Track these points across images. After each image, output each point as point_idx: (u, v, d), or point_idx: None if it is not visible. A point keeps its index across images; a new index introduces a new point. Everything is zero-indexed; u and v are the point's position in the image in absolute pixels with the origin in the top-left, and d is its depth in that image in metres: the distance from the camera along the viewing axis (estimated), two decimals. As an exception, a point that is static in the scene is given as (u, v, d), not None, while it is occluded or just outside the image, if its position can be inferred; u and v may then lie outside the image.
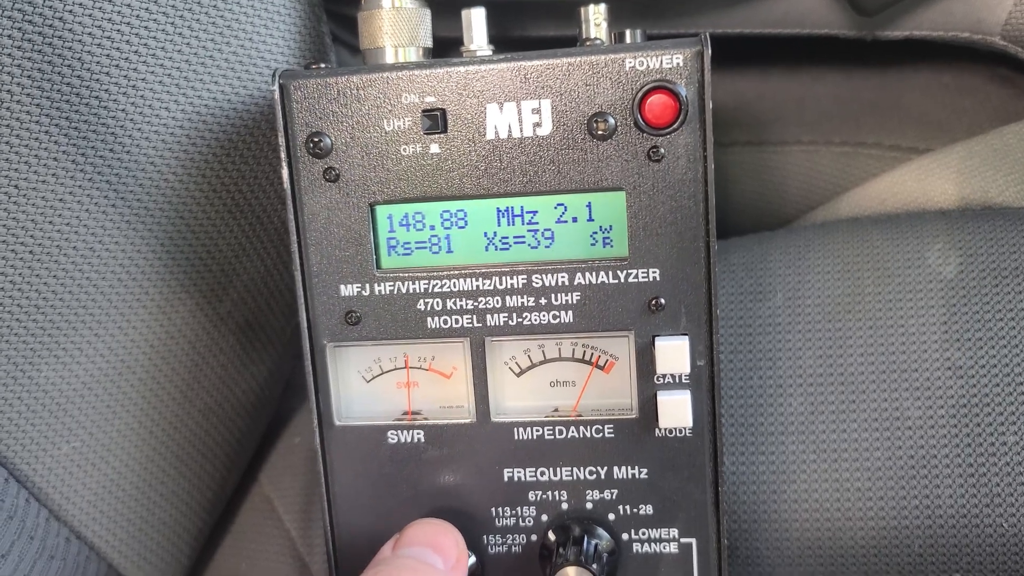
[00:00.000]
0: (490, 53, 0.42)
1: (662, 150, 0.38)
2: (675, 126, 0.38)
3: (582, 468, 0.41)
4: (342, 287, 0.41)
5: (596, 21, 0.43)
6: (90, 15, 0.39)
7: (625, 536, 0.41)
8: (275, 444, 0.63)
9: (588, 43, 0.40)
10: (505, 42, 0.43)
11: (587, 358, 0.41)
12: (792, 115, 0.65)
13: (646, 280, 0.39)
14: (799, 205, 0.64)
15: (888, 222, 0.54)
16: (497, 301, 0.40)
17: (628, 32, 0.41)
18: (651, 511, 0.41)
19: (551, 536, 0.41)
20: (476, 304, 0.41)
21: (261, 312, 0.53)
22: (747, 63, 0.65)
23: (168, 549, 0.53)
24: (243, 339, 0.52)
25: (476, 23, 0.43)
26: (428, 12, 0.44)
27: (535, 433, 0.41)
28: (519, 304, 0.40)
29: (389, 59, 0.43)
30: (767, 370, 0.50)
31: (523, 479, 0.42)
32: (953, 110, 0.61)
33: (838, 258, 0.52)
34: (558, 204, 0.40)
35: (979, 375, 0.48)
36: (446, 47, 0.47)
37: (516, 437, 0.41)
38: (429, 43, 0.44)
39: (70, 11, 0.39)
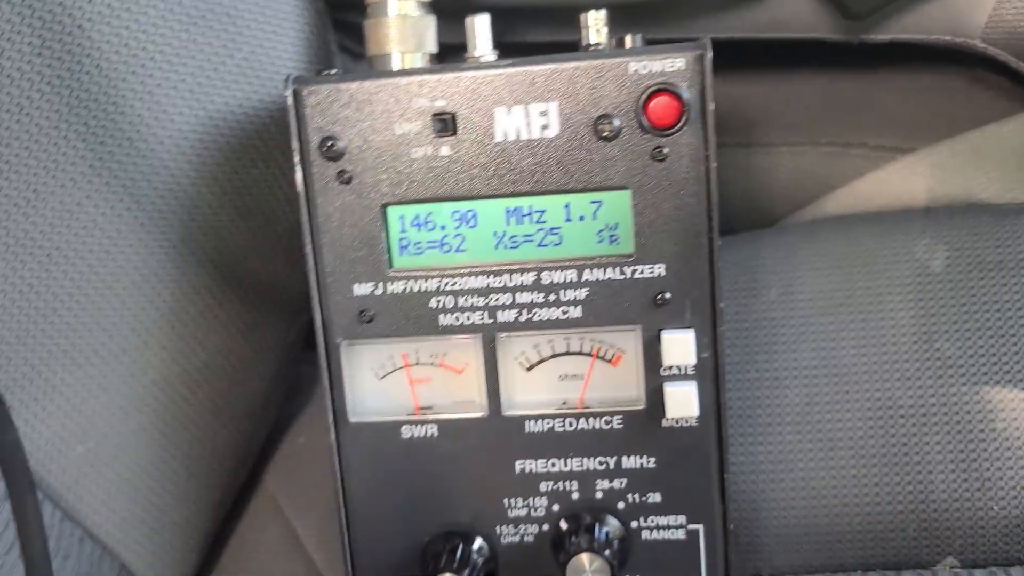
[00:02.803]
0: (495, 58, 0.44)
1: (666, 150, 0.40)
2: (678, 127, 0.39)
3: (592, 459, 0.43)
4: (356, 286, 0.42)
5: (596, 27, 0.44)
6: (108, 23, 0.40)
7: (634, 524, 0.43)
8: (279, 445, 0.63)
9: (591, 48, 0.42)
10: (503, 48, 0.44)
11: (594, 352, 0.42)
12: (779, 117, 0.66)
13: (652, 276, 0.41)
14: (787, 204, 0.66)
15: (876, 219, 0.56)
16: (507, 298, 0.42)
17: (629, 37, 0.42)
18: (659, 499, 0.42)
19: (563, 525, 0.42)
20: (487, 301, 0.42)
21: (268, 313, 0.54)
22: (735, 67, 0.67)
23: (178, 548, 0.54)
24: (251, 340, 0.53)
25: (480, 29, 0.44)
26: (433, 19, 0.45)
27: (546, 425, 0.42)
28: (529, 300, 0.42)
29: (396, 65, 0.44)
30: (763, 363, 0.52)
31: (534, 470, 0.43)
32: (935, 111, 0.63)
33: (829, 254, 0.54)
34: (566, 204, 0.41)
35: (967, 365, 0.49)
36: (447, 53, 0.48)
37: (527, 430, 0.43)
38: (435, 49, 0.46)
39: (89, 20, 0.40)
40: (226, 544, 0.60)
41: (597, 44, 0.42)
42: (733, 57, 0.64)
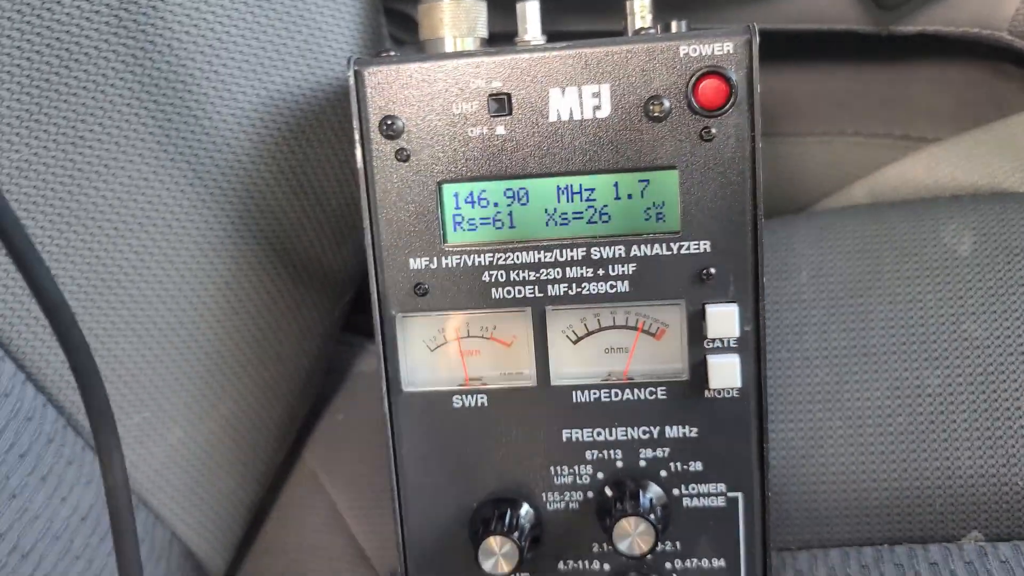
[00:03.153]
0: (545, 42, 0.45)
1: (713, 130, 0.41)
2: (726, 108, 0.41)
3: (636, 428, 0.44)
4: (411, 260, 0.44)
5: (642, 13, 0.46)
6: (179, 4, 0.42)
7: (676, 491, 0.44)
8: (319, 423, 0.65)
9: (642, 32, 0.43)
10: (548, 36, 0.46)
11: (639, 326, 0.44)
12: (807, 108, 0.68)
13: (697, 252, 0.42)
14: (814, 193, 0.68)
15: (905, 205, 0.58)
16: (557, 272, 0.43)
17: (675, 23, 0.44)
18: (700, 467, 0.44)
19: (608, 492, 0.44)
20: (537, 276, 0.43)
21: (315, 292, 0.55)
22: (764, 59, 0.68)
23: (224, 518, 0.56)
24: (298, 317, 0.55)
25: (531, 15, 0.46)
26: (484, 4, 0.47)
27: (592, 396, 0.44)
28: (578, 275, 0.43)
29: (448, 48, 0.46)
30: (794, 343, 0.53)
31: (580, 439, 0.44)
32: (960, 102, 0.65)
33: (859, 238, 0.55)
34: (615, 182, 0.43)
35: (993, 346, 0.51)
36: (497, 40, 0.50)
37: (574, 400, 0.44)
38: (485, 34, 0.47)
39: (162, 1, 0.41)
40: (268, 517, 0.62)
41: (646, 29, 0.44)
42: (763, 48, 0.66)
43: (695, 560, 0.45)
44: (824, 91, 0.67)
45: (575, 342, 0.45)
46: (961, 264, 0.53)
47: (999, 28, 0.57)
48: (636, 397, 0.44)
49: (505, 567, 0.42)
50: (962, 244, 0.54)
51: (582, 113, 0.42)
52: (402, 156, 0.43)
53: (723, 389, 0.43)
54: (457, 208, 0.44)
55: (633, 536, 0.42)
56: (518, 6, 0.46)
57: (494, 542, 0.43)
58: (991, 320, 0.51)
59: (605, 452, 0.44)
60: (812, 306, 0.54)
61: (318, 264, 0.54)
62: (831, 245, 0.56)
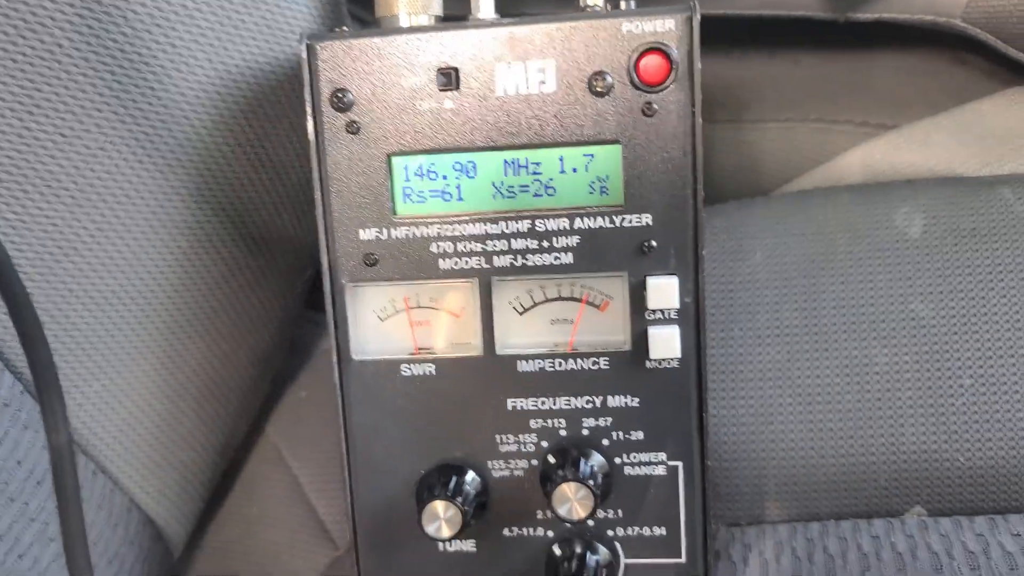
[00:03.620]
0: (497, 18, 0.46)
1: (655, 106, 0.42)
2: (667, 84, 0.42)
3: (579, 398, 0.45)
4: (361, 231, 0.45)
5: (595, -8, 0.47)
6: (135, -24, 0.43)
7: (618, 459, 0.45)
8: (282, 399, 0.66)
9: (588, 8, 0.44)
10: (506, 15, 0.47)
11: (584, 298, 0.45)
12: (770, 94, 0.69)
13: (639, 225, 0.43)
14: (776, 178, 0.69)
15: (860, 189, 0.59)
16: (503, 244, 0.44)
17: (623, 1, 0.45)
18: (642, 436, 0.45)
19: (551, 459, 0.45)
20: (484, 247, 0.44)
21: (275, 266, 0.56)
22: (728, 45, 0.69)
23: (184, 487, 0.57)
24: (258, 290, 0.56)
25: (484, -5, 0.47)
26: (439, -17, 0.48)
27: (536, 365, 0.45)
28: (523, 247, 0.44)
29: (403, 25, 0.47)
30: (747, 322, 0.54)
31: (525, 408, 0.45)
32: (918, 89, 0.66)
33: (813, 220, 0.56)
34: (560, 156, 0.44)
35: (939, 325, 0.52)
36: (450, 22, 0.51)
37: (519, 369, 0.45)
38: (439, 11, 0.48)
39: (118, -28, 0.42)
40: (230, 489, 0.63)
41: (594, 5, 0.44)
42: (724, 37, 0.67)
43: (636, 528, 0.46)
44: (787, 78, 0.68)
45: (521, 313, 0.45)
46: (911, 246, 0.54)
47: (952, 16, 0.58)
48: (579, 367, 0.45)
49: (447, 531, 0.43)
50: (913, 227, 0.55)
51: (528, 88, 0.43)
52: (352, 128, 0.44)
53: (663, 359, 0.44)
54: (406, 180, 0.45)
55: (572, 501, 0.43)
56: (472, -17, 0.47)
57: (438, 506, 0.43)
58: (937, 300, 0.52)
59: (549, 421, 0.45)
60: (766, 286, 0.55)
61: (277, 238, 0.55)
62: (786, 227, 0.57)
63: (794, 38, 0.68)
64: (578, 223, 0.44)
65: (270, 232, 0.55)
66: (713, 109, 0.69)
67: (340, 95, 0.43)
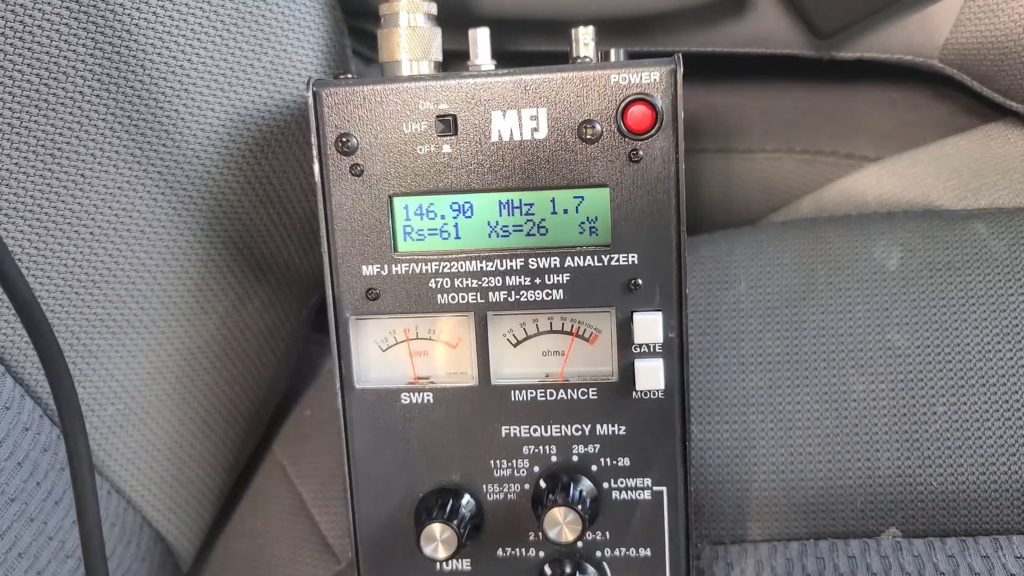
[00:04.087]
0: (493, 67, 0.49)
1: (641, 152, 0.45)
2: (652, 132, 0.44)
3: (569, 426, 0.48)
4: (364, 267, 0.47)
5: (585, 40, 0.49)
6: (153, 28, 0.46)
7: (606, 484, 0.48)
8: (287, 418, 0.69)
9: (579, 60, 0.47)
10: (503, 56, 0.49)
11: (574, 331, 0.47)
12: (757, 125, 0.72)
13: (626, 263, 0.46)
14: (762, 207, 0.71)
15: (840, 221, 0.61)
16: (498, 280, 0.47)
17: (613, 51, 0.48)
18: (628, 463, 0.47)
19: (542, 484, 0.48)
20: (480, 283, 0.47)
21: (282, 293, 0.59)
22: (717, 78, 0.72)
23: (194, 506, 0.59)
24: (266, 317, 0.59)
25: (481, 41, 0.49)
26: (439, 30, 0.51)
27: (529, 395, 0.48)
28: (517, 283, 0.47)
29: (405, 71, 0.49)
30: (731, 350, 0.57)
31: (518, 435, 0.48)
32: (901, 123, 0.69)
33: (796, 252, 0.59)
34: (552, 198, 0.46)
35: (915, 355, 0.54)
36: (452, 59, 0.54)
37: (513, 399, 0.48)
38: (439, 57, 0.51)
39: (136, 24, 0.45)
40: (237, 506, 0.66)
41: (585, 57, 0.47)
42: (714, 69, 0.70)
43: (623, 549, 0.48)
44: (774, 110, 0.71)
45: (515, 345, 0.48)
46: (888, 278, 0.56)
47: (930, 56, 0.60)
48: (570, 397, 0.47)
49: (443, 552, 0.46)
50: (890, 259, 0.57)
51: (521, 134, 0.45)
52: (356, 171, 0.46)
53: (649, 391, 0.47)
54: (407, 219, 0.47)
55: (562, 525, 0.45)
56: (470, 32, 0.49)
57: (435, 528, 0.46)
58: (913, 330, 0.55)
59: (541, 447, 0.48)
60: (749, 315, 0.57)
61: (284, 268, 0.58)
62: (769, 257, 0.59)
63: (781, 70, 0.70)
64: (568, 261, 0.46)
65: (277, 262, 0.57)
66: (700, 138, 0.72)
67: (344, 139, 0.46)
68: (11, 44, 0.42)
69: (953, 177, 0.62)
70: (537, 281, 0.46)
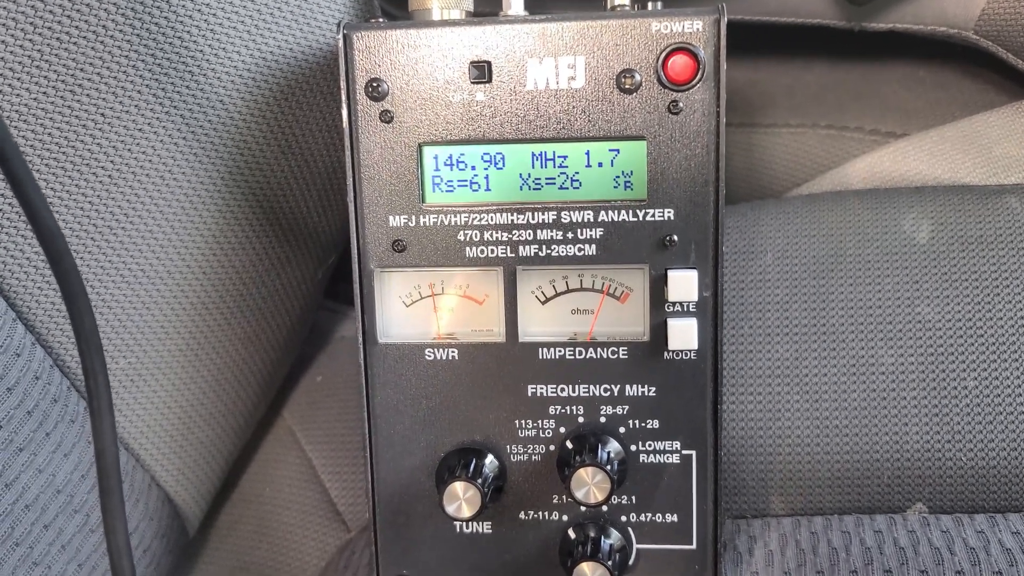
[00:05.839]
0: (527, 15, 0.47)
1: (681, 104, 0.44)
2: (693, 83, 0.43)
3: (598, 386, 0.46)
4: (391, 218, 0.46)
5: (621, -8, 0.48)
6: (179, -37, 0.44)
7: (633, 447, 0.47)
8: (298, 383, 0.67)
9: (616, 8, 0.46)
10: (536, 6, 0.48)
11: (605, 289, 0.46)
12: (782, 100, 0.71)
13: (661, 219, 0.45)
14: (786, 182, 0.70)
15: (868, 194, 0.60)
16: (529, 234, 0.45)
17: (650, 2, 0.47)
18: (657, 425, 0.46)
19: (569, 445, 0.46)
20: (510, 236, 0.46)
21: (299, 251, 0.57)
22: (742, 52, 0.71)
23: (202, 466, 0.58)
24: (282, 274, 0.57)
25: (515, -8, 0.48)
26: (472, -22, 0.49)
27: (557, 353, 0.46)
28: (548, 237, 0.45)
29: (436, 19, 0.48)
30: (757, 320, 0.56)
31: (544, 395, 0.47)
32: (928, 100, 0.68)
33: (823, 224, 0.58)
34: (586, 150, 0.45)
35: (945, 328, 0.53)
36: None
37: (540, 357, 0.46)
38: (471, 7, 0.49)
39: (163, -42, 0.44)
40: (245, 471, 0.64)
41: (622, 5, 0.46)
42: (741, 42, 0.69)
43: (649, 514, 0.47)
44: (799, 85, 0.70)
45: (543, 303, 0.47)
46: (918, 251, 0.56)
47: (965, 28, 0.60)
48: (599, 356, 0.46)
49: (467, 511, 0.45)
50: (920, 232, 0.56)
51: (558, 83, 0.44)
52: (386, 118, 0.45)
53: (681, 351, 0.45)
54: (436, 170, 0.46)
55: (590, 485, 0.44)
56: (503, -20, 0.48)
57: (458, 487, 0.45)
58: (943, 304, 0.54)
59: (567, 408, 0.47)
60: (775, 285, 0.56)
61: (303, 224, 0.57)
62: (796, 228, 0.58)
63: (807, 46, 0.69)
64: (602, 216, 0.45)
65: (296, 218, 0.56)
66: (727, 112, 0.71)
67: (375, 84, 0.45)
68: (34, -27, 0.41)
69: (982, 155, 0.62)
70: (569, 236, 0.45)
